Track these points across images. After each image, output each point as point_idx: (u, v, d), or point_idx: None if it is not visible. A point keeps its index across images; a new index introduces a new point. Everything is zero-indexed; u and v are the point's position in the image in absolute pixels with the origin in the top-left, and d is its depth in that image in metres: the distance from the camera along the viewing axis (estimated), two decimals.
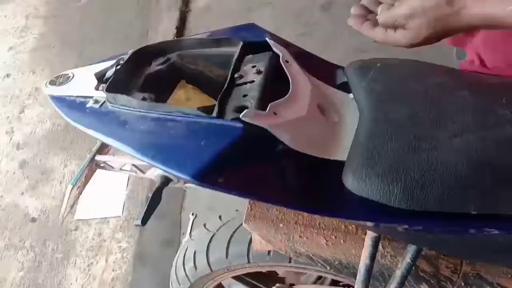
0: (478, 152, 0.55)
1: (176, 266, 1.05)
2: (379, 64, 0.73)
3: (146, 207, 0.67)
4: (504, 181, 0.54)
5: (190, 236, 1.06)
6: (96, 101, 0.67)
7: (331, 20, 2.21)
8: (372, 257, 0.72)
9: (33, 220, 2.05)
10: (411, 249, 0.72)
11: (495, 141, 0.56)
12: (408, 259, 0.73)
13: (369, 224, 0.63)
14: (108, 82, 0.66)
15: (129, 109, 0.63)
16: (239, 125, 0.57)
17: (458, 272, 0.81)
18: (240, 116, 0.57)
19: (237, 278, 1.08)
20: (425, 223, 0.58)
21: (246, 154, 0.56)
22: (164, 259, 1.75)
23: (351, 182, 0.57)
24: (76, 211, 2.05)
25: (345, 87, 0.76)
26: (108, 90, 0.64)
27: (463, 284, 0.80)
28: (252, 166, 0.55)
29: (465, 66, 0.89)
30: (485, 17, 0.53)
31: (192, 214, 1.93)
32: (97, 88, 0.68)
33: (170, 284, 1.10)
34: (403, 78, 0.69)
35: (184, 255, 1.02)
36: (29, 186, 2.16)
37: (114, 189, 2.09)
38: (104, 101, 0.66)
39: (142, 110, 0.61)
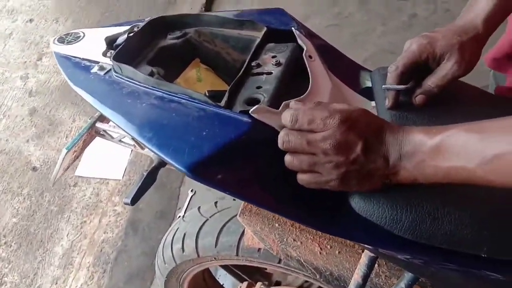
0: (498, 192, 0.50)
1: (164, 244, 1.02)
2: None
3: (138, 187, 0.64)
4: None
5: (184, 216, 1.03)
6: (102, 68, 0.63)
7: (366, 15, 2.12)
8: (365, 277, 0.68)
9: (34, 169, 2.05)
10: (408, 275, 0.68)
11: None
12: (402, 284, 0.69)
13: (368, 246, 0.59)
14: (117, 50, 0.61)
15: (134, 82, 0.58)
16: (246, 119, 0.53)
17: None
18: (250, 111, 0.53)
19: (223, 266, 1.05)
20: (428, 256, 0.54)
21: (249, 152, 0.52)
22: (156, 231, 1.74)
23: (357, 201, 0.52)
24: (78, 167, 2.05)
25: (368, 93, 0.71)
26: (115, 58, 0.60)
27: None
28: (254, 167, 0.51)
29: (503, 91, 0.83)
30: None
31: (191, 191, 1.92)
32: (105, 54, 0.64)
33: (156, 259, 1.08)
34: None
35: (174, 235, 0.99)
36: (35, 134, 2.16)
37: (118, 152, 2.07)
38: (110, 69, 0.62)
39: (147, 86, 0.57)
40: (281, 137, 0.49)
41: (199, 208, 1.00)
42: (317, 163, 0.48)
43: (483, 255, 0.50)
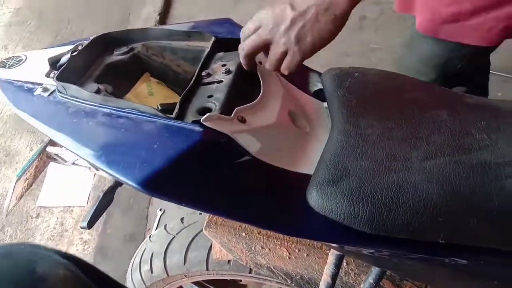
0: (450, 177, 0.52)
1: (132, 267, 0.99)
2: (357, 74, 0.69)
3: (94, 209, 0.62)
4: (474, 210, 0.51)
5: (150, 236, 1.01)
6: (45, 89, 0.60)
7: None
8: (334, 276, 0.68)
9: None
10: (376, 270, 0.69)
11: (468, 167, 0.53)
12: (371, 279, 0.69)
13: (332, 245, 0.60)
14: (60, 69, 0.59)
15: (79, 101, 0.57)
16: (198, 129, 0.52)
17: None
18: (201, 120, 0.52)
19: (196, 283, 1.03)
20: (391, 248, 0.54)
21: (203, 162, 0.51)
22: (126, 255, 1.68)
23: (315, 199, 0.52)
24: (39, 197, 1.96)
25: (321, 95, 0.72)
26: (58, 78, 0.58)
27: None
28: (208, 176, 0.50)
29: (424, 26, 0.88)
30: None
31: (160, 210, 1.88)
32: (48, 75, 0.62)
33: (126, 284, 1.04)
34: (379, 91, 0.65)
35: (142, 256, 0.96)
36: None
37: (80, 178, 2.01)
38: (54, 90, 0.60)
39: (93, 104, 0.56)
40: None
41: (165, 226, 0.98)
42: (273, 43, 0.58)
43: (441, 241, 0.51)
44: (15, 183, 0.72)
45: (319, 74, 0.76)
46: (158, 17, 2.35)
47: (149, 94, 0.69)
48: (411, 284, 0.77)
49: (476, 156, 0.54)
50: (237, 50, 0.69)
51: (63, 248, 1.79)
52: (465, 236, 0.52)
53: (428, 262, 0.58)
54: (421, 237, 0.51)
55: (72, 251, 1.78)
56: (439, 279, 0.66)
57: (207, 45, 0.69)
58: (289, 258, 0.78)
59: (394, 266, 0.64)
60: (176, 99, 0.72)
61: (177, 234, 0.92)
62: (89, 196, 1.94)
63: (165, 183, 0.47)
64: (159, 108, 0.64)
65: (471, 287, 0.68)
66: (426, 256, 0.55)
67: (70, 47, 0.67)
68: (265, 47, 0.60)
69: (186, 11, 2.43)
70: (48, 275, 0.33)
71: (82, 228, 0.60)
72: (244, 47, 0.61)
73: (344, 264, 0.78)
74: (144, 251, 0.95)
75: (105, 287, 0.39)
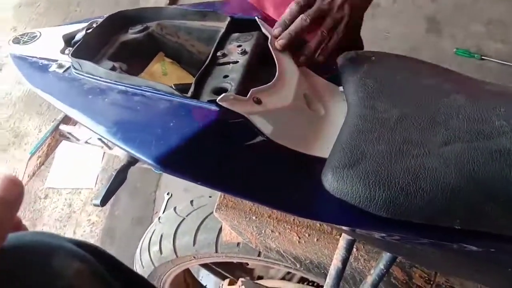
0: (468, 163, 0.51)
1: (141, 248, 1.00)
2: (373, 58, 0.68)
3: (107, 187, 0.61)
4: (491, 197, 0.50)
5: (160, 217, 1.01)
6: (60, 66, 0.60)
7: None
8: (345, 261, 0.68)
9: None
10: (386, 256, 0.68)
11: (487, 153, 0.52)
12: (381, 265, 0.69)
13: (345, 228, 0.59)
14: (75, 46, 0.59)
15: (95, 78, 0.56)
16: (215, 108, 0.52)
17: (431, 282, 0.78)
18: (217, 100, 0.52)
19: (204, 265, 1.04)
20: (405, 233, 0.54)
21: (219, 141, 0.51)
22: (133, 238, 1.70)
23: (330, 182, 0.52)
24: (47, 179, 1.98)
25: (336, 79, 0.71)
26: (73, 55, 0.58)
27: None
28: (224, 155, 0.50)
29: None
30: None
31: (168, 194, 1.89)
32: (63, 52, 0.61)
33: (134, 264, 1.05)
34: (397, 75, 0.64)
35: (151, 238, 0.97)
36: (0, 148, 2.07)
37: (89, 160, 2.02)
38: (69, 67, 0.59)
39: (109, 81, 0.55)
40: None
41: (175, 208, 0.98)
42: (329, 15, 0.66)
43: (457, 227, 0.51)
44: (28, 160, 0.72)
45: (334, 58, 0.75)
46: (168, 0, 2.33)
47: (163, 74, 0.69)
48: (421, 272, 0.77)
49: (495, 142, 0.53)
50: (252, 30, 0.68)
51: (71, 229, 1.81)
52: (482, 223, 0.51)
53: (441, 248, 0.57)
54: (437, 222, 0.51)
55: (79, 232, 1.81)
56: (450, 266, 0.66)
57: (222, 26, 0.68)
58: (299, 242, 0.78)
59: (405, 251, 0.64)
60: (190, 80, 0.71)
61: (186, 216, 0.92)
62: (97, 178, 1.95)
63: (180, 161, 0.47)
64: (173, 88, 0.64)
65: (483, 275, 0.67)
66: (439, 242, 0.55)
67: (85, 24, 0.67)
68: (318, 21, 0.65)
69: None
70: (64, 269, 0.31)
71: (95, 205, 0.60)
72: (294, 27, 0.65)
73: (354, 250, 0.78)
74: (153, 232, 0.96)
75: (121, 277, 0.37)
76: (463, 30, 2.07)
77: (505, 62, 1.77)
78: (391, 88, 0.63)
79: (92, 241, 1.74)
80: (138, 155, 0.47)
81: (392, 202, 0.49)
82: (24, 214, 1.87)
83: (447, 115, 0.57)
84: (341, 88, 0.69)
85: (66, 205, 1.91)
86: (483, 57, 1.82)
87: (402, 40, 1.84)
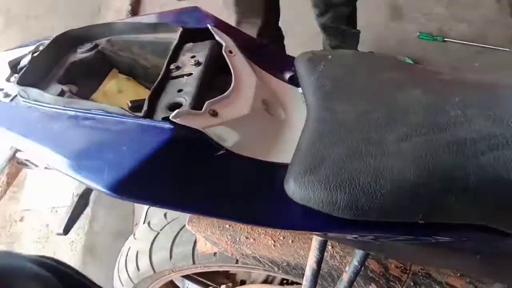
0: (426, 157, 0.51)
1: (118, 267, 0.98)
2: (330, 57, 0.68)
3: (69, 214, 0.60)
4: (451, 188, 0.51)
5: (134, 234, 0.99)
6: (7, 95, 0.58)
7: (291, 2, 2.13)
8: (319, 261, 0.68)
9: None
10: (359, 252, 0.69)
11: (444, 145, 0.53)
12: (355, 262, 0.69)
13: (315, 232, 0.59)
14: (20, 73, 0.57)
15: (43, 105, 0.54)
16: (169, 126, 0.51)
17: (408, 271, 0.79)
18: (170, 117, 0.51)
19: (185, 276, 1.03)
20: (373, 232, 0.54)
21: (175, 160, 0.50)
22: (115, 252, 1.66)
23: (292, 189, 0.52)
24: (22, 200, 1.92)
25: (296, 80, 0.71)
26: (19, 82, 0.56)
27: (412, 284, 0.79)
28: (182, 175, 0.49)
29: None
30: None
31: None
32: (8, 79, 0.59)
33: (114, 283, 1.03)
34: (353, 73, 0.64)
35: (127, 255, 0.95)
36: None
37: (62, 176, 1.97)
38: (16, 95, 0.57)
39: (57, 107, 0.53)
40: None
41: (149, 223, 0.96)
42: None
43: (420, 222, 0.51)
44: None
45: (293, 58, 0.75)
46: (130, 7, 2.29)
47: (118, 92, 0.67)
48: (396, 263, 0.78)
49: (451, 133, 0.54)
50: (205, 39, 0.67)
51: (50, 250, 1.77)
52: (445, 214, 0.52)
53: (411, 242, 0.58)
54: (401, 218, 0.51)
55: (59, 252, 1.76)
56: (422, 257, 0.67)
57: (174, 37, 0.67)
58: (274, 246, 0.78)
59: (377, 248, 0.64)
60: (146, 94, 0.70)
61: (161, 230, 0.91)
62: (73, 194, 1.91)
63: (136, 185, 0.46)
64: (129, 105, 0.63)
65: (454, 262, 0.68)
66: (409, 237, 0.55)
67: (31, 47, 0.64)
68: None
69: (157, 1, 2.37)
70: None
71: (58, 234, 0.58)
72: None
73: (329, 247, 0.78)
74: (129, 249, 0.94)
75: None
76: (425, 13, 2.10)
77: (467, 43, 1.81)
78: (348, 87, 0.63)
79: (73, 260, 1.71)
80: (91, 184, 0.45)
81: (354, 204, 0.49)
82: (0, 238, 1.82)
83: (404, 111, 0.58)
84: (300, 90, 0.68)
85: (44, 225, 1.86)
86: (445, 39, 1.85)
87: (367, 29, 1.85)
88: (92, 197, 0.77)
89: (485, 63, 1.77)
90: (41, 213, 1.89)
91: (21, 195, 1.92)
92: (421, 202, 0.50)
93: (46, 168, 0.72)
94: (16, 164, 0.73)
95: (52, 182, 1.95)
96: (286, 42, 1.79)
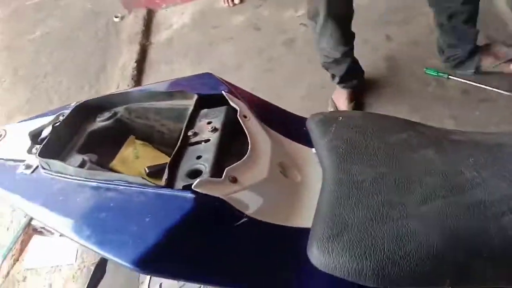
0: (448, 221, 0.51)
1: None
2: (340, 118, 0.69)
3: (87, 284, 0.59)
4: (476, 252, 0.50)
5: None
6: (28, 166, 0.59)
7: (294, 56, 2.21)
8: None
9: None
10: None
11: (464, 208, 0.53)
12: None
13: None
14: (42, 145, 0.58)
15: (65, 177, 0.55)
16: (190, 196, 0.51)
17: None
18: (192, 186, 0.51)
19: None
20: None
21: (199, 232, 0.49)
22: None
23: (316, 256, 0.51)
24: (25, 260, 1.88)
25: (308, 140, 0.72)
26: (41, 154, 0.57)
27: None
28: (206, 248, 0.48)
29: None
30: None
31: None
32: (30, 151, 0.60)
33: None
34: (365, 134, 0.65)
35: None
36: None
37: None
38: (37, 166, 0.58)
39: (79, 178, 0.54)
40: None
41: (160, 285, 0.94)
42: None
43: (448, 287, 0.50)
44: (1, 263, 0.69)
45: (305, 119, 0.76)
46: (135, 64, 2.36)
47: (135, 157, 0.68)
48: None
49: (470, 195, 0.54)
50: (220, 105, 0.69)
51: None
52: (472, 279, 0.51)
53: None
54: (428, 285, 0.50)
55: None
56: None
57: (190, 103, 0.69)
58: None
59: None
60: (163, 159, 0.71)
61: None
62: (77, 252, 1.87)
63: (161, 260, 0.46)
64: (147, 171, 0.63)
65: None
66: None
67: (50, 117, 0.66)
68: None
69: (162, 57, 2.45)
70: None
71: None
72: None
73: None
74: None
75: None
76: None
77: (471, 83, 1.80)
78: (362, 148, 0.64)
79: None
80: (115, 259, 0.45)
81: (381, 272, 0.49)
82: None
83: (420, 172, 0.58)
84: (313, 150, 0.69)
85: (47, 285, 1.81)
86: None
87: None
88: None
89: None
90: (44, 272, 1.84)
91: (24, 254, 1.88)
92: (447, 268, 0.50)
93: (61, 235, 0.72)
94: (31, 231, 0.73)
95: (55, 241, 1.91)
96: (288, 95, 1.83)
